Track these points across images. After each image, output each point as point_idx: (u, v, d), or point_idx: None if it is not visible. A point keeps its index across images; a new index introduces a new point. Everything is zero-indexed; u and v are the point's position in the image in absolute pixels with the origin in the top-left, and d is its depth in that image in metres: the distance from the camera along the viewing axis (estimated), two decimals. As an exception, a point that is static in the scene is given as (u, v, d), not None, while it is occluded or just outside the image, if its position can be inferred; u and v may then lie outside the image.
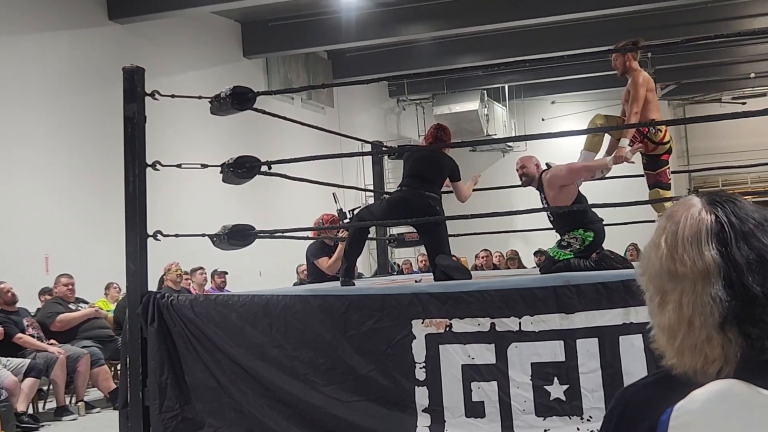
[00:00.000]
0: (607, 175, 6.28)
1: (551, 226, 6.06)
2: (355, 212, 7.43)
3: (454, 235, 6.33)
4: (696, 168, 21.73)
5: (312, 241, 8.02)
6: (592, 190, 6.51)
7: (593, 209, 5.77)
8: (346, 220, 7.75)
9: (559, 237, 5.79)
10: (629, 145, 5.84)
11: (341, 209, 7.72)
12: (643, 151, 6.08)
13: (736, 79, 21.80)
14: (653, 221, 7.15)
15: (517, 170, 6.14)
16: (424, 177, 5.94)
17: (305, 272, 8.86)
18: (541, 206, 5.89)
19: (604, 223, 5.84)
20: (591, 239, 5.60)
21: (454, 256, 6.03)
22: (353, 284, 5.80)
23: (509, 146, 22.04)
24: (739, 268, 1.27)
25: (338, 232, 7.61)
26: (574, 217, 5.66)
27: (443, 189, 6.15)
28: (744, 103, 21.63)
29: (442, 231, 5.93)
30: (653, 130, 5.92)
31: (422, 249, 12.58)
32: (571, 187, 5.78)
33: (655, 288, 1.34)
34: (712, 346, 1.26)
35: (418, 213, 5.72)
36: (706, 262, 1.28)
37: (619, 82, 6.35)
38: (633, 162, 5.87)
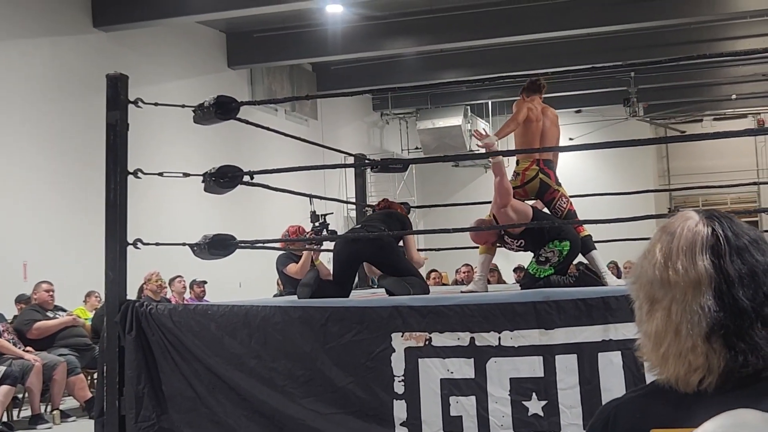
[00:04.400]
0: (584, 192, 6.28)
1: (526, 249, 5.97)
2: (327, 218, 7.53)
3: (435, 250, 6.36)
4: (677, 187, 21.88)
5: (280, 254, 8.16)
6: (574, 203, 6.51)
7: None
8: (316, 223, 7.83)
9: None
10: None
11: (314, 212, 7.77)
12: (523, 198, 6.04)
13: (718, 100, 21.98)
14: (635, 239, 7.18)
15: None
16: (369, 225, 6.10)
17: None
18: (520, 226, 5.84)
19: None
20: (568, 248, 5.57)
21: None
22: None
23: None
24: (730, 281, 1.29)
25: (315, 242, 7.69)
26: (545, 231, 5.62)
27: (421, 204, 6.17)
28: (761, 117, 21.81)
29: (393, 256, 5.93)
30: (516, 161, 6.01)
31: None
32: (516, 207, 5.67)
33: (645, 296, 1.36)
34: (696, 355, 1.28)
35: (368, 249, 5.82)
36: (699, 271, 1.31)
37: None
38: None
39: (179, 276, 11.59)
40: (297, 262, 7.87)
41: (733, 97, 20.94)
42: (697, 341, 1.28)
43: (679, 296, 1.31)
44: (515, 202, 5.67)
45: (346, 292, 5.82)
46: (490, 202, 5.97)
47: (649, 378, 1.40)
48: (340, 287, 5.75)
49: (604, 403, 1.48)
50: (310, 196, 7.45)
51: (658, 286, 1.34)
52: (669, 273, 1.33)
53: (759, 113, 22.69)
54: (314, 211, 7.73)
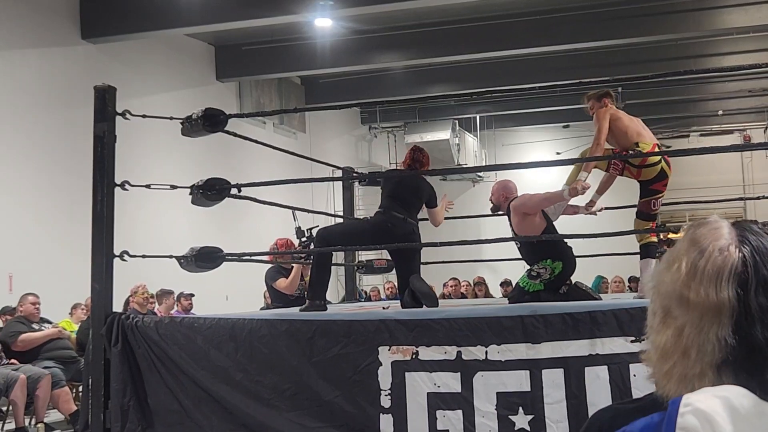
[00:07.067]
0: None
1: (519, 256, 6.07)
2: (313, 231, 7.47)
3: (422, 263, 6.35)
4: (663, 202, 21.93)
5: (269, 267, 8.07)
6: (564, 220, 6.54)
7: (563, 239, 5.79)
8: (303, 238, 7.77)
9: (527, 266, 5.80)
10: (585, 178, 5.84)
11: (299, 227, 7.74)
12: (630, 177, 6.09)
13: (704, 116, 22.08)
14: (623, 254, 7.20)
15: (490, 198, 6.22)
16: (405, 202, 5.96)
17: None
18: (509, 236, 5.91)
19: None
20: (560, 269, 5.62)
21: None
22: (325, 308, 5.77)
23: (479, 176, 22.16)
24: (750, 316, 1.24)
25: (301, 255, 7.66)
26: (542, 248, 5.67)
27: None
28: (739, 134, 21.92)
29: (418, 259, 5.96)
30: (632, 153, 5.80)
31: (389, 276, 12.56)
32: (535, 218, 5.79)
33: (660, 304, 1.30)
34: (702, 382, 1.23)
35: (401, 239, 5.72)
36: (721, 300, 1.25)
37: (589, 115, 6.39)
38: (585, 188, 5.76)
39: (170, 291, 11.51)
40: (286, 276, 7.82)
41: (720, 113, 21.05)
42: (706, 369, 1.24)
43: (695, 320, 1.26)
44: (537, 217, 5.76)
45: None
46: (477, 216, 6.02)
47: (636, 393, 1.39)
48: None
49: (602, 408, 1.44)
50: (295, 209, 7.42)
51: (675, 302, 1.28)
52: (690, 294, 1.27)
53: (745, 129, 22.81)
54: (299, 227, 7.71)
